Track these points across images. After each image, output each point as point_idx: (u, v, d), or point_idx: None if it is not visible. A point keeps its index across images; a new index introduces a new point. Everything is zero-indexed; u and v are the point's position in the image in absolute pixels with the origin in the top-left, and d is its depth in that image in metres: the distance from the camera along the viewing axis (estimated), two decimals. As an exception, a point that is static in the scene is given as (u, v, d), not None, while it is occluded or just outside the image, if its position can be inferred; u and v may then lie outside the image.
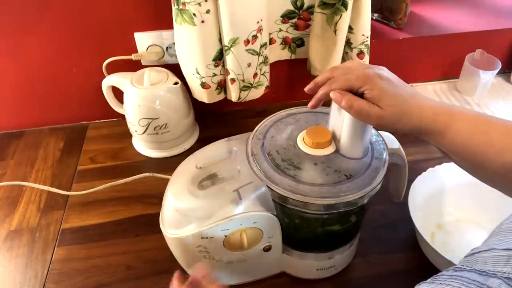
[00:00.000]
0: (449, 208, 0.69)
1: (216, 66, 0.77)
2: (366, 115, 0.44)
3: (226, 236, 0.50)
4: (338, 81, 0.47)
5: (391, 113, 0.44)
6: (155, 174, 0.71)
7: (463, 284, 0.31)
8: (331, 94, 0.46)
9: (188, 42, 0.73)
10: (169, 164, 0.62)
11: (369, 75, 0.45)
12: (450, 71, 0.99)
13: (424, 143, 0.84)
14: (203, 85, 0.79)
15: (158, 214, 0.54)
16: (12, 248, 0.67)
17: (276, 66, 0.88)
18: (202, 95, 0.81)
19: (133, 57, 0.82)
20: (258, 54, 0.77)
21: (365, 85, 0.44)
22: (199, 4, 0.68)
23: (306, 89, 0.51)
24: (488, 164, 0.42)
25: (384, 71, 0.46)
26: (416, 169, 0.67)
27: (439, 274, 0.35)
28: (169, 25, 0.75)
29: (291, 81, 0.95)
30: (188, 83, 0.82)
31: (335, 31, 0.76)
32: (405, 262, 0.64)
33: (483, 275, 0.31)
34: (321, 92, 0.48)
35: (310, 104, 0.50)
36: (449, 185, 0.68)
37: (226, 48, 0.74)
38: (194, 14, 0.69)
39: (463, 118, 0.43)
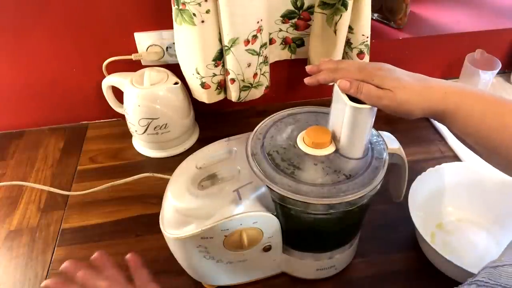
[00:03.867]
0: (449, 208, 0.69)
1: (216, 66, 0.77)
2: (376, 97, 0.45)
3: (226, 236, 0.50)
4: (340, 72, 0.47)
5: (400, 94, 0.44)
6: (155, 174, 0.71)
7: None
8: (339, 83, 0.47)
9: (188, 42, 0.73)
10: (169, 164, 0.62)
11: (370, 68, 0.47)
12: (450, 71, 0.99)
13: (424, 143, 0.85)
14: (203, 85, 0.79)
15: (158, 214, 0.54)
16: (12, 248, 0.67)
17: (276, 66, 0.88)
18: (202, 95, 0.81)
19: (133, 57, 0.82)
20: (258, 54, 0.77)
21: (367, 78, 0.46)
22: (199, 4, 0.68)
23: (307, 68, 0.51)
24: (503, 149, 0.41)
25: (385, 65, 0.48)
26: (416, 169, 0.66)
27: (459, 286, 0.34)
28: (169, 25, 0.75)
29: (291, 81, 0.95)
30: (188, 83, 0.82)
31: (335, 31, 0.76)
32: (405, 262, 0.64)
33: None
34: (322, 76, 0.49)
35: (307, 80, 0.51)
36: (449, 185, 0.68)
37: (226, 48, 0.74)
38: (194, 14, 0.69)
39: (476, 99, 0.43)
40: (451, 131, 0.46)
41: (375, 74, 0.46)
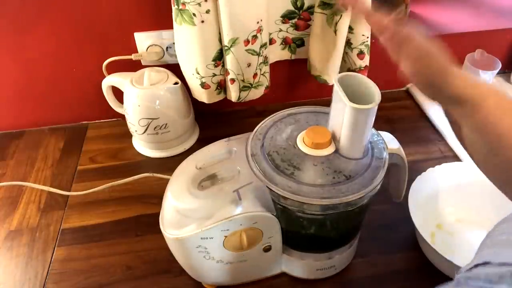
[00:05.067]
0: (449, 208, 0.69)
1: (216, 66, 0.77)
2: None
3: (226, 236, 0.51)
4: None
5: (435, 62, 0.44)
6: (155, 174, 0.71)
7: None
8: None
9: (188, 42, 0.73)
10: (169, 164, 0.62)
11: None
12: (450, 71, 0.99)
13: (424, 143, 0.85)
14: (203, 85, 0.79)
15: (158, 214, 0.54)
16: (12, 248, 0.67)
17: (276, 66, 0.88)
18: (202, 95, 0.81)
19: (133, 57, 0.82)
20: (258, 54, 0.77)
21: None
22: (199, 4, 0.68)
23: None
24: (509, 151, 0.41)
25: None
26: (416, 169, 0.67)
27: (441, 286, 0.34)
28: (169, 25, 0.75)
29: (291, 81, 0.95)
30: (188, 83, 0.82)
31: (335, 31, 0.76)
32: (405, 262, 0.64)
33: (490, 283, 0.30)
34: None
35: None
36: (449, 185, 0.68)
37: (226, 48, 0.74)
38: (194, 14, 0.69)
39: (498, 96, 0.43)
40: (464, 122, 0.45)
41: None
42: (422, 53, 0.45)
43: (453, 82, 0.44)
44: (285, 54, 0.88)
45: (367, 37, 0.78)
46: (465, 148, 0.47)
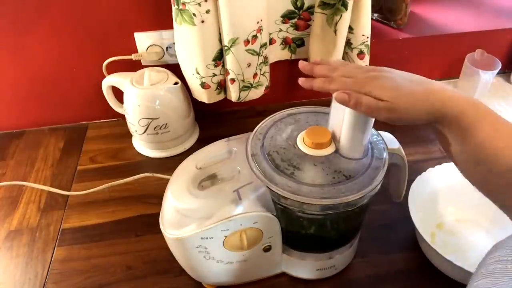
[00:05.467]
0: (449, 208, 0.69)
1: (216, 66, 0.77)
2: (376, 110, 0.43)
3: (226, 236, 0.51)
4: (336, 83, 0.46)
5: (401, 104, 0.42)
6: (155, 174, 0.71)
7: None
8: (336, 96, 0.45)
9: (188, 42, 0.73)
10: (169, 164, 0.62)
11: (367, 79, 0.45)
12: (450, 71, 0.99)
13: (424, 143, 0.85)
14: (203, 85, 0.79)
15: (158, 214, 0.54)
16: (12, 248, 0.67)
17: (276, 66, 0.88)
18: (202, 95, 0.81)
19: (133, 57, 0.82)
20: (258, 54, 0.77)
21: (363, 88, 0.44)
22: (199, 4, 0.68)
23: (300, 65, 0.50)
24: (493, 156, 0.40)
25: (382, 72, 0.46)
26: (416, 169, 0.67)
27: None
28: (169, 25, 0.75)
29: (291, 81, 0.95)
30: (188, 83, 0.82)
31: (335, 31, 0.76)
32: (405, 262, 0.64)
33: None
34: (317, 84, 0.47)
35: (303, 83, 0.49)
36: (449, 185, 0.68)
37: (226, 48, 0.74)
38: (194, 14, 0.69)
39: (474, 106, 0.42)
40: (449, 136, 0.44)
41: (372, 85, 0.44)
42: (374, 113, 0.44)
43: (417, 117, 0.43)
44: (285, 54, 0.88)
45: (367, 37, 0.78)
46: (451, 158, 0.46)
